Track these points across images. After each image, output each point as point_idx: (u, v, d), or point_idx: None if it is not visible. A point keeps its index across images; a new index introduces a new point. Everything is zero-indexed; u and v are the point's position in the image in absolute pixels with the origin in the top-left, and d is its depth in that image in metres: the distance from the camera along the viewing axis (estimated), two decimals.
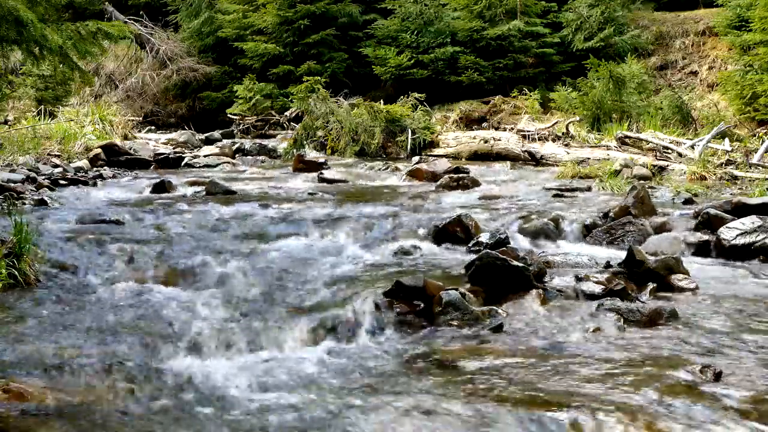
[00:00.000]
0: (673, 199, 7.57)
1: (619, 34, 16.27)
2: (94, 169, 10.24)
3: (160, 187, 8.32)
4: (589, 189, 8.36)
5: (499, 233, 5.61)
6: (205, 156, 12.13)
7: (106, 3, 20.35)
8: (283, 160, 12.54)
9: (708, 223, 5.88)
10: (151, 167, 11.20)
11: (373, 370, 3.45)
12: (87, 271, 4.82)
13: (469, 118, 15.61)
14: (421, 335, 3.90)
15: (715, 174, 9.28)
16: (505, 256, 4.47)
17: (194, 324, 3.88)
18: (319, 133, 12.77)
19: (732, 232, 5.51)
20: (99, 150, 11.08)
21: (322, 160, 11.01)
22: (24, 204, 6.99)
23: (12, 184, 7.69)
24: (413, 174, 9.64)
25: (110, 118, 13.74)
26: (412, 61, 16.59)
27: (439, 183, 8.72)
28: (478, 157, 12.02)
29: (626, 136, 11.40)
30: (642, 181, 8.37)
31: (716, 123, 11.73)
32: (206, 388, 3.19)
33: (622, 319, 3.97)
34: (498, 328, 3.90)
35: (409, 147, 12.46)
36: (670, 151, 10.68)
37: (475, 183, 8.76)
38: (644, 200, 6.45)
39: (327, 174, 9.67)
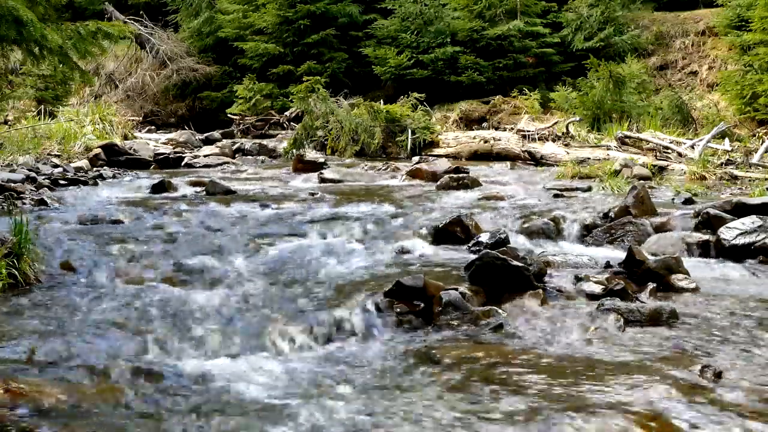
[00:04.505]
0: (673, 199, 7.56)
1: (619, 34, 16.29)
2: (94, 169, 10.24)
3: (160, 187, 8.32)
4: (589, 189, 8.36)
5: (499, 233, 5.60)
6: (205, 156, 12.13)
7: (106, 3, 20.38)
8: (283, 160, 12.54)
9: (708, 223, 5.88)
10: (151, 167, 11.20)
11: (373, 370, 3.45)
12: (87, 271, 4.82)
13: (469, 118, 15.62)
14: (421, 335, 3.90)
15: (715, 174, 9.29)
16: (505, 256, 4.47)
17: (194, 324, 3.88)
18: (319, 133, 12.76)
19: (732, 232, 5.51)
20: (99, 150, 11.09)
21: (322, 160, 11.01)
22: (24, 204, 6.99)
23: (12, 184, 7.68)
24: (413, 174, 9.64)
25: (110, 118, 13.75)
26: (412, 61, 16.60)
27: (439, 183, 8.71)
28: (478, 157, 12.02)
29: (626, 136, 11.41)
30: (642, 181, 8.37)
31: (716, 123, 11.75)
32: (207, 388, 3.19)
33: (622, 319, 3.97)
34: (498, 328, 3.90)
35: (409, 147, 12.46)
36: (670, 151, 10.69)
37: (475, 183, 8.75)
38: (644, 200, 6.45)
39: (327, 174, 9.66)
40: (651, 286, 4.58)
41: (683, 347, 3.64)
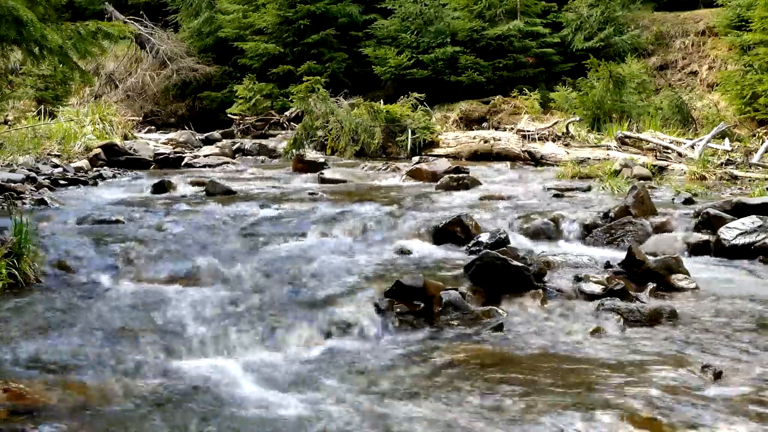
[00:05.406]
0: (673, 199, 7.56)
1: (619, 34, 16.29)
2: (94, 169, 10.24)
3: (160, 187, 8.32)
4: (589, 189, 8.36)
5: (499, 233, 5.60)
6: (205, 156, 12.13)
7: (106, 3, 20.38)
8: (283, 160, 12.54)
9: (708, 223, 5.88)
10: (151, 167, 11.19)
11: (373, 370, 3.45)
12: (87, 271, 4.82)
13: (469, 118, 15.61)
14: (421, 335, 3.90)
15: (715, 174, 9.28)
16: (505, 256, 4.47)
17: (194, 323, 3.88)
18: (319, 133, 12.75)
19: (732, 232, 5.51)
20: (99, 150, 11.08)
21: (322, 160, 11.00)
22: (24, 204, 6.99)
23: (12, 184, 7.68)
24: (413, 174, 9.64)
25: (110, 118, 13.74)
26: (412, 61, 16.59)
27: (439, 183, 8.71)
28: (478, 157, 12.01)
29: (626, 136, 11.40)
30: (642, 181, 8.36)
31: (716, 123, 11.74)
32: (207, 387, 3.19)
33: (622, 319, 3.97)
34: (498, 328, 3.90)
35: (409, 147, 12.45)
36: (670, 151, 10.69)
37: (475, 183, 8.75)
38: (644, 200, 6.45)
39: (327, 174, 9.66)
40: (651, 286, 4.59)
41: (683, 347, 3.64)
